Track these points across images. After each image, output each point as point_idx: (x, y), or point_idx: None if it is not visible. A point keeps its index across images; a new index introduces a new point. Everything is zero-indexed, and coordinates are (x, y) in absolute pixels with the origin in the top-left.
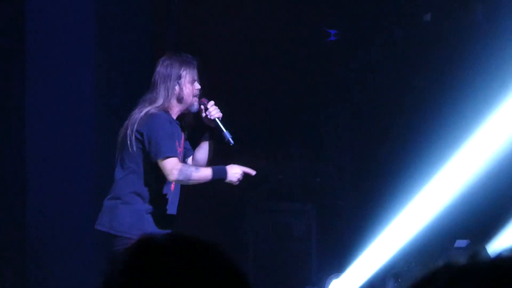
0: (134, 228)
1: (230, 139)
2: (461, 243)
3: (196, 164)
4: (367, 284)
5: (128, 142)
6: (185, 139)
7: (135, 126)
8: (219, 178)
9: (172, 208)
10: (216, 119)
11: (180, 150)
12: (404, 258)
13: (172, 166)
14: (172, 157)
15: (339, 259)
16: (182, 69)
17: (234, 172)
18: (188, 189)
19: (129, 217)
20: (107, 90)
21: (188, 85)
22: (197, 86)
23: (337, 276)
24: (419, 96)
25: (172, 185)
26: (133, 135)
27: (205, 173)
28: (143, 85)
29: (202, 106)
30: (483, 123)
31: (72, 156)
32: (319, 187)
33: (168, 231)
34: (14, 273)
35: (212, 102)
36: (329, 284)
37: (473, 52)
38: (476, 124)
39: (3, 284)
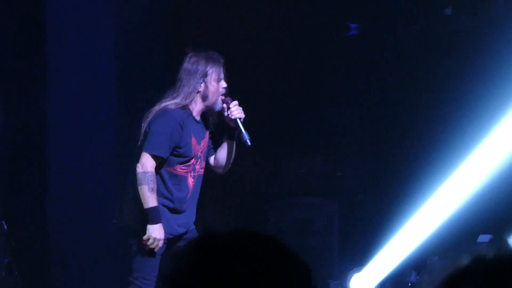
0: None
1: (248, 140)
2: (484, 238)
3: (217, 164)
4: (388, 278)
5: (141, 135)
6: (210, 138)
7: (149, 119)
8: (148, 217)
9: (190, 205)
10: (237, 120)
11: (200, 148)
12: (426, 251)
13: (146, 162)
14: (154, 157)
15: (360, 253)
16: (209, 66)
17: (157, 232)
18: (209, 184)
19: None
20: (127, 88)
21: (214, 83)
22: (223, 84)
23: (359, 270)
24: (440, 90)
25: (191, 182)
26: (144, 128)
27: (149, 199)
28: (160, 82)
29: (224, 105)
30: (504, 118)
31: (92, 154)
32: (340, 181)
33: (184, 226)
34: (35, 271)
35: (235, 102)
36: (351, 278)
37: (495, 46)
38: (496, 118)
39: (24, 282)
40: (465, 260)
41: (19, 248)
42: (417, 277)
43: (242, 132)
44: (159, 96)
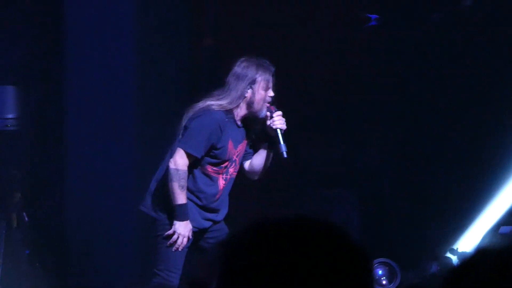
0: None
1: (285, 152)
2: (505, 229)
3: (251, 170)
4: (409, 269)
5: (181, 130)
6: (248, 144)
7: (190, 114)
8: (175, 213)
9: (219, 205)
10: (278, 130)
11: (237, 152)
12: (447, 243)
13: (179, 160)
14: (188, 155)
15: (380, 245)
16: (258, 73)
17: (183, 228)
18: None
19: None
20: (146, 82)
21: (261, 91)
22: (271, 93)
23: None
24: (462, 80)
25: (221, 183)
26: (184, 123)
27: (178, 196)
28: (180, 77)
29: (268, 113)
30: None
31: (111, 146)
32: (360, 173)
33: (211, 220)
34: (56, 263)
35: (279, 112)
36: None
37: None
38: None
39: (44, 273)
40: (471, 252)
41: (39, 239)
42: (438, 268)
43: (280, 143)
44: (177, 90)
